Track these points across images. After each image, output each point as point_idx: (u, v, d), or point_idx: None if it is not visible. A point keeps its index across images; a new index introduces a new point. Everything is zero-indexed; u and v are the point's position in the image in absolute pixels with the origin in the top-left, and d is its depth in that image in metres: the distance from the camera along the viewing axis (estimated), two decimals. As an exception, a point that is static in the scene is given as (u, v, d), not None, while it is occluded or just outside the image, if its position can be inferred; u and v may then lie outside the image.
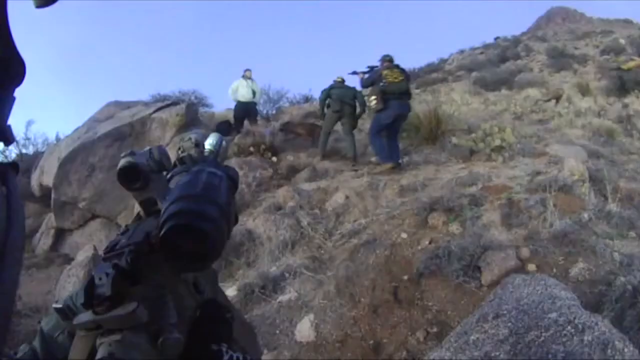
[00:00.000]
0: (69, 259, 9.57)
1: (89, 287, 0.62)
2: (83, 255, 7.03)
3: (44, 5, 0.60)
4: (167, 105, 12.72)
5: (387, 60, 8.01)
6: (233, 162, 8.71)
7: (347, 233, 5.53)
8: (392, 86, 7.54)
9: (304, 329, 4.08)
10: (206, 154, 1.05)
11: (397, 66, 7.86)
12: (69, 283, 6.30)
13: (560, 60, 20.23)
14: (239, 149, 9.53)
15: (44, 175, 12.18)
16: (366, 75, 8.28)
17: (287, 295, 4.63)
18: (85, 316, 0.61)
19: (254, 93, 12.42)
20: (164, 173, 0.86)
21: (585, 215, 4.70)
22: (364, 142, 9.48)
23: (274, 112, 17.30)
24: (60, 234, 11.71)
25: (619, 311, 3.21)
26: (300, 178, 8.30)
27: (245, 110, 12.01)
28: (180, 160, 0.97)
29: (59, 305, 0.70)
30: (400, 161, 7.84)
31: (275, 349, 3.99)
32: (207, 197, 0.66)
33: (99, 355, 0.57)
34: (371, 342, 3.81)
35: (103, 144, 11.32)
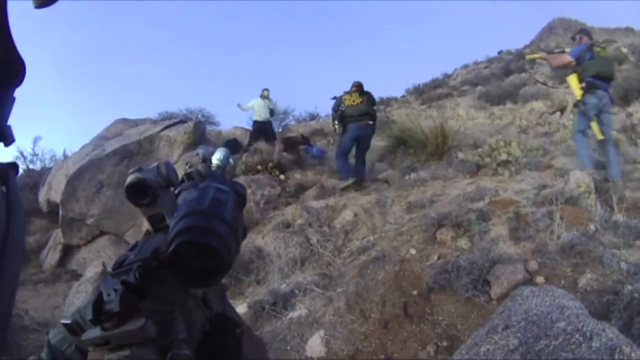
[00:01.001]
0: (76, 275, 9.57)
1: (97, 303, 0.62)
2: (92, 271, 7.05)
3: (43, 5, 0.61)
4: (175, 124, 12.75)
5: (355, 85, 8.49)
6: (241, 180, 8.73)
7: (356, 250, 5.54)
8: (350, 109, 8.14)
9: (315, 345, 4.09)
10: (213, 169, 1.05)
11: (360, 90, 8.35)
12: (77, 299, 6.32)
13: (563, 71, 20.17)
14: (246, 167, 9.59)
15: (52, 191, 12.16)
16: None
17: (298, 311, 4.65)
18: (94, 332, 0.61)
19: (271, 112, 12.53)
20: (172, 189, 0.86)
21: (592, 227, 4.70)
22: (370, 159, 9.56)
23: (280, 130, 17.39)
24: (68, 250, 11.66)
25: (627, 319, 3.22)
26: (308, 196, 8.34)
27: (262, 130, 12.15)
28: (188, 175, 0.96)
29: (68, 321, 0.69)
30: (363, 178, 8.35)
31: (286, 365, 4.01)
32: (214, 213, 0.67)
33: None
34: (382, 356, 3.82)
35: (111, 161, 11.34)
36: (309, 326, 4.39)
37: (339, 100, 8.43)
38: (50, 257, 11.71)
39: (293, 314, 4.61)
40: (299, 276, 5.33)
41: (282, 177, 9.51)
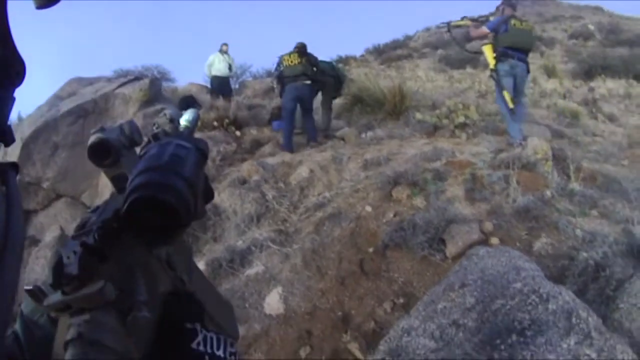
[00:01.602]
0: (35, 241, 9.40)
1: (57, 266, 0.59)
2: (50, 236, 6.95)
3: (44, 6, 0.60)
4: (130, 81, 12.49)
5: (296, 46, 8.47)
6: (197, 136, 8.64)
7: (312, 206, 5.54)
8: (288, 70, 8.21)
9: (273, 302, 4.10)
10: (181, 129, 1.04)
11: (300, 51, 8.32)
12: (37, 265, 6.23)
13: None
14: (202, 124, 9.42)
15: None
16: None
17: (255, 268, 4.64)
18: (55, 297, 0.59)
19: (230, 68, 12.34)
20: (136, 149, 0.84)
21: (548, 193, 4.80)
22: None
23: (237, 86, 17.14)
24: (25, 216, 11.42)
25: (581, 285, 3.32)
26: (264, 152, 8.27)
27: (221, 85, 11.99)
28: (155, 136, 0.90)
29: (29, 287, 0.66)
30: (317, 139, 8.39)
31: (245, 322, 4.00)
32: (172, 169, 0.65)
33: (68, 336, 0.56)
34: (339, 313, 3.85)
35: (66, 121, 11.06)
36: (266, 283, 4.39)
37: (279, 61, 8.48)
38: None
39: (250, 271, 4.60)
40: (255, 232, 5.30)
41: (238, 133, 9.40)
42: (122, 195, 0.66)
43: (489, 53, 6.96)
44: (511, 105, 6.64)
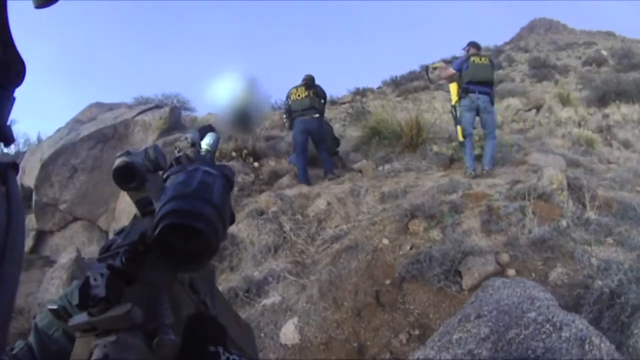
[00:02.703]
0: (49, 262, 9.43)
1: (84, 288, 0.60)
2: (66, 258, 6.96)
3: (44, 5, 0.61)
4: (150, 109, 12.60)
5: (304, 79, 8.58)
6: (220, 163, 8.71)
7: (329, 238, 5.56)
8: (295, 104, 8.29)
9: (289, 332, 4.11)
10: (203, 153, 1.02)
11: (307, 84, 8.39)
12: (52, 285, 6.24)
13: (541, 70, 20.36)
14: (220, 154, 9.49)
15: (26, 176, 11.93)
16: None
17: (271, 299, 4.65)
18: (81, 317, 0.60)
19: None
20: (160, 173, 0.83)
21: (564, 222, 4.78)
22: (345, 149, 9.60)
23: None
24: (41, 236, 11.50)
25: (596, 313, 3.29)
26: (282, 184, 8.32)
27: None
28: (177, 160, 0.91)
29: (54, 307, 0.68)
30: (334, 171, 8.39)
31: (261, 351, 4.01)
32: (201, 196, 0.66)
33: (94, 357, 0.56)
34: (355, 344, 3.85)
35: (86, 145, 11.18)
36: (282, 313, 4.40)
37: (287, 94, 8.56)
38: (24, 243, 11.53)
39: (266, 301, 4.62)
40: (272, 263, 5.33)
41: (256, 164, 9.46)
42: (148, 219, 0.69)
43: (453, 90, 7.41)
44: (461, 139, 7.13)
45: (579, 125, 11.58)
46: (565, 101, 14.14)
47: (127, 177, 0.76)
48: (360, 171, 8.19)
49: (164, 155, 0.82)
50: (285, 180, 8.45)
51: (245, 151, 9.62)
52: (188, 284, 0.75)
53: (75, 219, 11.25)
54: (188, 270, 0.69)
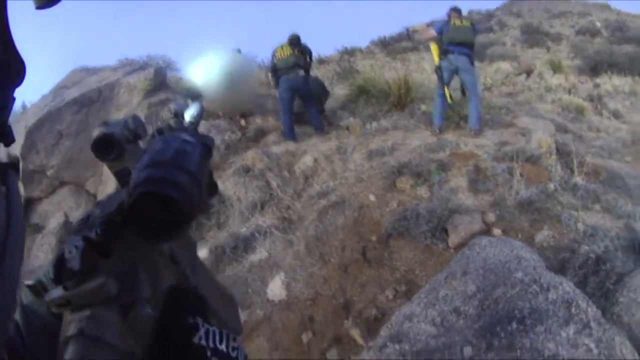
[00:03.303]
0: (39, 228, 9.43)
1: (59, 261, 0.60)
2: (54, 223, 6.97)
3: (45, 6, 0.60)
4: (135, 70, 12.45)
5: (289, 38, 8.54)
6: (202, 125, 8.65)
7: (315, 194, 5.57)
8: (280, 62, 8.25)
9: (276, 288, 4.14)
10: (186, 124, 1.02)
11: (292, 42, 8.36)
12: (41, 252, 6.25)
13: (533, 36, 20.18)
14: (207, 113, 9.42)
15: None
16: None
17: (258, 255, 4.68)
18: (57, 292, 0.58)
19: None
20: (140, 143, 0.84)
21: (551, 186, 4.81)
22: (332, 106, 9.55)
23: (241, 76, 17.02)
24: (29, 204, 11.45)
25: (582, 277, 3.33)
26: (268, 141, 8.29)
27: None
28: (159, 131, 0.89)
29: (31, 282, 0.67)
30: (323, 128, 8.42)
31: (248, 308, 4.05)
32: (177, 164, 0.64)
33: (69, 332, 0.55)
34: (341, 300, 3.89)
35: (70, 110, 11.08)
36: (269, 269, 4.43)
37: (273, 53, 8.50)
38: None
39: (254, 257, 4.64)
40: (259, 220, 5.34)
41: (242, 122, 9.40)
42: (126, 189, 0.65)
43: (434, 52, 7.51)
44: (450, 101, 7.34)
45: (569, 92, 11.51)
46: (556, 68, 14.02)
47: (106, 147, 0.77)
48: (347, 129, 8.14)
49: (143, 124, 0.84)
50: (271, 137, 8.43)
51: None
52: (168, 255, 0.73)
53: (63, 184, 11.22)
54: (162, 240, 0.66)
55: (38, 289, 0.66)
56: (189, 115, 1.04)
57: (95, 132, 0.77)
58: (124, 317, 0.57)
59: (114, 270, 0.59)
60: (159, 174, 0.62)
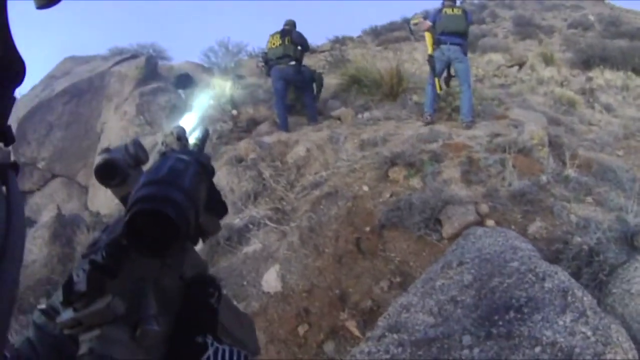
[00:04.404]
0: (31, 222, 9.39)
1: (67, 284, 0.61)
2: (47, 216, 6.93)
3: (45, 6, 0.60)
4: (126, 59, 12.44)
5: (285, 24, 8.61)
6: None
7: (308, 185, 5.57)
8: (270, 52, 8.31)
9: (271, 280, 4.14)
10: (191, 147, 1.01)
11: (282, 32, 8.36)
12: (34, 245, 6.21)
13: (526, 28, 20.19)
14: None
15: None
16: None
17: (252, 246, 4.68)
18: (67, 314, 0.60)
19: None
20: (142, 167, 0.84)
21: (544, 178, 4.84)
22: (323, 96, 9.54)
23: (232, 65, 17.02)
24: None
25: (575, 269, 3.35)
26: (260, 131, 8.29)
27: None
28: (163, 155, 0.87)
29: (43, 306, 0.70)
30: (317, 119, 8.46)
31: (243, 300, 4.05)
32: (171, 181, 0.66)
33: (80, 352, 0.57)
34: (337, 291, 3.90)
35: (61, 101, 11.07)
36: (263, 261, 4.43)
37: (267, 42, 8.51)
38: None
39: (248, 249, 4.64)
40: (252, 210, 5.33)
41: (234, 112, 9.38)
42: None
43: (428, 41, 7.47)
44: (439, 90, 7.30)
45: (562, 85, 11.58)
46: (548, 60, 14.05)
47: (109, 174, 0.78)
48: (339, 118, 8.14)
49: (144, 148, 0.84)
50: (263, 127, 8.42)
51: (222, 99, 9.51)
52: (178, 276, 0.75)
53: (54, 176, 11.22)
54: (158, 257, 0.66)
55: (50, 313, 0.69)
56: (193, 137, 1.05)
57: (98, 159, 0.78)
58: (132, 335, 0.59)
59: (121, 290, 0.61)
60: (153, 192, 0.63)
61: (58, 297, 0.65)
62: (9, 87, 0.55)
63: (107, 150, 0.80)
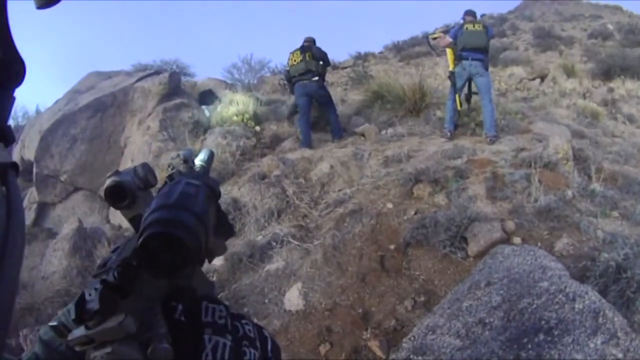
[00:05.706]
0: (52, 234, 9.52)
1: (80, 302, 0.63)
2: (68, 229, 7.00)
3: (45, 6, 0.60)
4: (150, 75, 12.58)
5: (305, 40, 8.68)
6: (216, 132, 8.76)
7: (332, 202, 5.55)
8: (292, 69, 8.37)
9: (293, 298, 4.11)
10: (197, 169, 1.03)
11: (302, 48, 8.42)
12: (54, 257, 6.27)
13: (546, 40, 20.09)
14: (222, 118, 9.47)
15: (25, 149, 12.04)
16: None
17: (275, 264, 4.66)
18: (79, 331, 0.62)
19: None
20: (151, 190, 0.86)
21: (570, 193, 4.77)
22: (346, 112, 9.54)
23: (255, 81, 17.17)
24: (43, 209, 11.61)
25: (602, 286, 3.28)
26: (284, 148, 8.30)
27: None
28: (170, 177, 0.90)
29: (54, 323, 0.71)
30: (342, 135, 8.42)
31: (265, 318, 4.02)
32: (182, 205, 0.68)
33: None
34: (360, 310, 3.85)
35: (84, 115, 11.21)
36: (286, 279, 4.40)
37: (288, 59, 8.60)
38: (25, 216, 11.64)
39: (270, 266, 4.62)
40: (275, 228, 5.32)
41: (257, 128, 9.42)
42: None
43: (450, 57, 7.69)
44: (460, 107, 7.50)
45: (584, 97, 11.49)
46: (569, 72, 13.95)
47: (119, 196, 0.80)
48: (363, 135, 8.12)
49: (153, 171, 0.87)
50: (287, 143, 8.44)
51: (246, 115, 9.55)
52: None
53: (77, 190, 11.37)
54: (170, 278, 0.68)
55: (61, 330, 0.70)
56: (199, 159, 1.06)
57: (108, 181, 0.80)
58: (143, 353, 0.60)
59: (133, 309, 0.62)
60: (165, 215, 0.65)
61: (68, 314, 0.69)
62: (9, 87, 0.56)
63: (116, 172, 0.82)
